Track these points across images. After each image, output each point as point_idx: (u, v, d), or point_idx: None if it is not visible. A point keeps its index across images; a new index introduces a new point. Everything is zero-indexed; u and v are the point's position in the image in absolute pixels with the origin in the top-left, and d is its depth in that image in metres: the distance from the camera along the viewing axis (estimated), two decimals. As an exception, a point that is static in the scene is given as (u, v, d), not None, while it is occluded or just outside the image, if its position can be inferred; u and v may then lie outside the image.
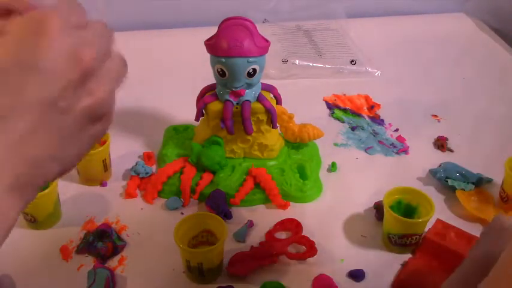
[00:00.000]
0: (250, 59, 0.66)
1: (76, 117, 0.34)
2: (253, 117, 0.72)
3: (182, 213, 0.71)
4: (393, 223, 0.64)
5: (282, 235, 0.68)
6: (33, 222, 0.67)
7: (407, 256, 0.65)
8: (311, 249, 0.64)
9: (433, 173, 0.76)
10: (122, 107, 0.90)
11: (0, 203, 0.31)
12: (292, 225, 0.68)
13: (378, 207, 0.70)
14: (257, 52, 0.66)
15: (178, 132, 0.83)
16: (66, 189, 0.73)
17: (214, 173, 0.74)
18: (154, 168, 0.78)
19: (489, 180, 0.75)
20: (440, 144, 0.84)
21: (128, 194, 0.73)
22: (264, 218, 0.70)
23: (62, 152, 0.34)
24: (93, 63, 0.34)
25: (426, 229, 0.65)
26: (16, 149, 0.31)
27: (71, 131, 0.34)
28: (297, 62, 1.04)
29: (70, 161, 0.36)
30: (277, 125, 0.75)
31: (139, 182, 0.75)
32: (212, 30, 0.68)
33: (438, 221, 0.66)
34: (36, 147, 0.32)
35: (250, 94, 0.70)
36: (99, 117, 0.36)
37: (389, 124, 0.90)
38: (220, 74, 0.68)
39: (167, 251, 0.63)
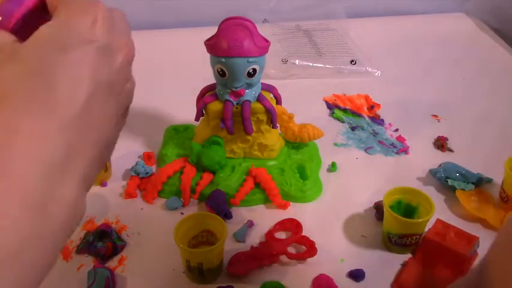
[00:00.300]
0: (250, 59, 0.66)
1: (121, 103, 0.35)
2: (253, 117, 0.72)
3: (182, 213, 0.71)
4: (393, 223, 0.64)
5: (282, 235, 0.68)
6: (33, 222, 0.67)
7: (407, 256, 0.65)
8: (311, 249, 0.64)
9: (433, 173, 0.76)
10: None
11: (77, 193, 0.31)
12: (292, 225, 0.68)
13: (378, 207, 0.70)
14: (257, 52, 0.66)
15: (178, 132, 0.83)
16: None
17: (214, 173, 0.74)
18: (154, 168, 0.78)
19: (489, 180, 0.75)
20: (440, 144, 0.84)
21: (128, 194, 0.73)
22: (264, 218, 0.70)
23: (113, 138, 0.35)
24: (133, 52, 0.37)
25: (426, 229, 0.65)
26: (86, 135, 0.31)
27: (118, 118, 0.35)
28: (297, 62, 1.04)
29: (111, 151, 0.36)
30: (277, 125, 0.75)
31: (139, 182, 0.75)
32: (212, 30, 0.68)
33: (438, 221, 0.66)
34: (97, 131, 0.32)
35: (250, 94, 0.70)
36: (128, 109, 0.37)
37: (390, 124, 0.90)
38: (220, 74, 0.68)
39: (167, 251, 0.63)
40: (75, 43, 0.31)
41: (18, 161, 0.27)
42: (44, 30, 0.32)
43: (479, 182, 0.74)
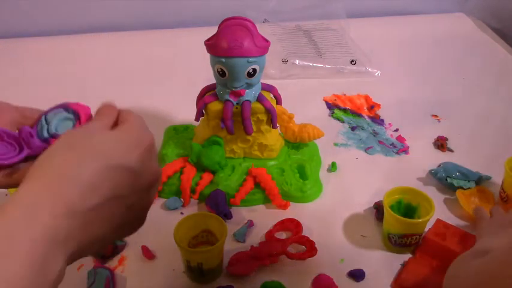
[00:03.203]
0: (250, 59, 0.66)
1: (130, 217, 0.40)
2: (253, 117, 0.72)
3: (182, 213, 0.71)
4: (393, 223, 0.64)
5: (282, 235, 0.68)
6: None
7: (407, 256, 0.65)
8: (311, 249, 0.64)
9: (433, 173, 0.76)
10: (122, 107, 0.90)
11: (63, 266, 0.34)
12: (292, 225, 0.68)
13: (378, 207, 0.70)
14: (257, 52, 0.66)
15: (178, 132, 0.83)
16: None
17: (214, 173, 0.74)
18: (154, 168, 0.78)
19: (488, 178, 0.75)
20: (440, 144, 0.84)
21: (128, 194, 0.73)
22: (264, 218, 0.70)
23: (111, 236, 0.39)
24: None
25: (426, 229, 0.65)
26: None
27: (123, 224, 0.39)
28: (297, 62, 1.04)
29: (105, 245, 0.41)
30: (277, 125, 0.75)
31: (139, 182, 0.75)
32: (212, 30, 0.68)
33: (438, 221, 0.66)
34: (97, 227, 0.36)
35: (250, 94, 0.70)
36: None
37: (390, 124, 0.90)
38: (220, 74, 0.68)
39: (167, 251, 0.63)
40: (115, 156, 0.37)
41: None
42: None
43: (479, 181, 0.74)
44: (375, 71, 1.05)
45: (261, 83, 0.72)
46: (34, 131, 0.43)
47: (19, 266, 0.30)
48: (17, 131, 0.43)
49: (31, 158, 0.42)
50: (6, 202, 0.33)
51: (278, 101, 0.75)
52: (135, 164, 0.37)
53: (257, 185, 0.73)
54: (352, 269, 0.63)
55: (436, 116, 0.92)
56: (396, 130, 0.88)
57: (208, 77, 0.72)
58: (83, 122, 0.43)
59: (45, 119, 0.44)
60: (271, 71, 1.01)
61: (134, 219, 0.41)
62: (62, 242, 0.33)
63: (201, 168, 0.74)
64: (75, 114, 0.43)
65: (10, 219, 0.32)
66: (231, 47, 0.65)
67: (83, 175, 0.35)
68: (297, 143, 0.79)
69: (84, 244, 0.35)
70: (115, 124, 0.41)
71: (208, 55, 0.68)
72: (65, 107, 0.44)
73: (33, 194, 0.33)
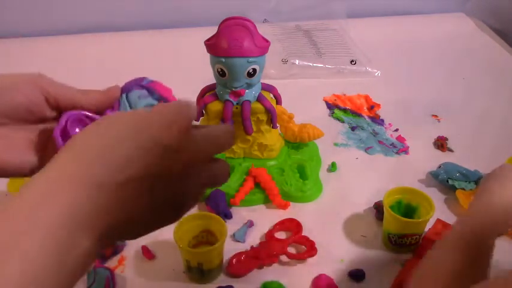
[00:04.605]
0: (250, 59, 0.66)
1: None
2: (253, 117, 0.72)
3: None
4: (393, 223, 0.64)
5: (282, 235, 0.68)
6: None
7: (407, 256, 0.65)
8: (311, 249, 0.64)
9: (434, 175, 0.76)
10: (122, 107, 0.90)
11: (92, 247, 0.32)
12: (292, 225, 0.68)
13: (378, 207, 0.70)
14: (257, 52, 0.66)
15: (178, 132, 0.82)
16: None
17: (214, 173, 0.74)
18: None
19: None
20: (440, 144, 0.84)
21: (128, 194, 0.73)
22: (264, 218, 0.70)
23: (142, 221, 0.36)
24: None
25: (426, 229, 0.65)
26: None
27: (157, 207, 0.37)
28: (297, 62, 1.04)
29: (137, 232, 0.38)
30: (277, 125, 0.75)
31: (139, 182, 0.75)
32: (212, 30, 0.68)
33: (438, 221, 0.66)
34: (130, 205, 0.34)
35: (250, 94, 0.70)
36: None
37: (390, 124, 0.90)
38: (220, 74, 0.68)
39: (167, 251, 0.63)
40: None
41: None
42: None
43: (480, 180, 0.74)
44: (375, 71, 1.05)
45: (261, 83, 0.72)
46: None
47: (38, 246, 0.29)
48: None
49: None
50: (35, 176, 0.32)
51: (278, 101, 0.75)
52: (172, 142, 0.34)
53: (257, 185, 0.73)
54: (352, 269, 0.63)
55: (436, 116, 0.92)
56: (396, 130, 0.88)
57: (208, 77, 0.71)
58: None
59: (128, 102, 0.41)
60: (271, 71, 1.01)
61: (173, 205, 0.37)
62: (86, 219, 0.31)
63: (201, 168, 0.74)
64: (160, 99, 0.41)
65: (32, 194, 0.30)
66: (231, 47, 0.65)
67: (115, 149, 0.32)
68: (297, 143, 0.79)
69: (119, 224, 0.33)
70: None
71: (208, 55, 0.68)
72: (149, 88, 0.41)
73: (58, 167, 0.32)
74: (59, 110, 0.41)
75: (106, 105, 0.41)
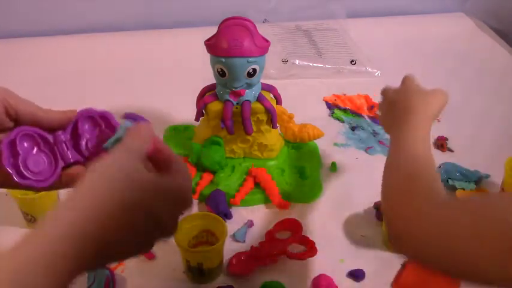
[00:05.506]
0: (250, 59, 0.66)
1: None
2: (253, 117, 0.72)
3: (182, 213, 0.71)
4: (393, 223, 0.64)
5: (282, 235, 0.68)
6: (33, 222, 0.67)
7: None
8: (311, 249, 0.64)
9: (433, 174, 0.76)
10: (122, 107, 0.90)
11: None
12: (292, 225, 0.68)
13: (378, 207, 0.70)
14: (257, 52, 0.66)
15: (178, 132, 0.83)
16: (66, 189, 0.73)
17: (214, 173, 0.74)
18: (154, 168, 0.78)
19: (487, 177, 0.75)
20: (440, 144, 0.84)
21: (128, 194, 0.73)
22: (264, 218, 0.70)
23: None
24: None
25: (426, 229, 0.65)
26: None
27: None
28: (297, 62, 1.04)
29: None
30: (277, 125, 0.75)
31: (139, 182, 0.75)
32: (212, 30, 0.68)
33: (438, 221, 0.66)
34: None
35: (250, 94, 0.70)
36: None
37: (390, 124, 0.90)
38: (220, 74, 0.68)
39: (167, 251, 0.63)
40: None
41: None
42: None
43: (480, 181, 0.74)
44: (375, 71, 1.05)
45: (261, 83, 0.72)
46: (69, 142, 0.42)
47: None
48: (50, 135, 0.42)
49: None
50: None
51: (278, 101, 0.75)
52: (159, 211, 0.37)
53: (257, 185, 0.73)
54: (352, 269, 0.63)
55: (436, 116, 0.92)
56: (396, 130, 0.88)
57: (208, 77, 0.72)
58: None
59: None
60: (271, 71, 1.01)
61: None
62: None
63: (201, 168, 0.74)
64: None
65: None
66: (231, 47, 0.65)
67: (108, 207, 0.35)
68: (297, 143, 0.79)
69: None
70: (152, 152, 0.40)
71: (208, 55, 0.68)
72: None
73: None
74: (18, 123, 0.42)
75: (62, 125, 0.43)
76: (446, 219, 0.40)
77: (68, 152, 0.42)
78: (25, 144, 0.41)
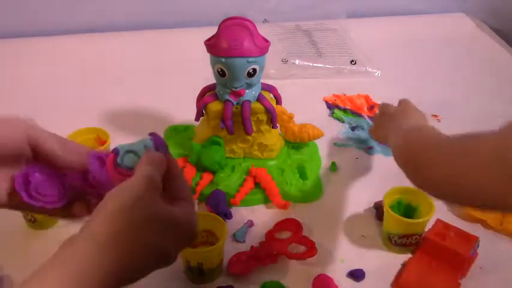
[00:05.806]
0: (250, 59, 0.66)
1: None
2: (253, 117, 0.72)
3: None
4: (393, 223, 0.64)
5: (282, 235, 0.68)
6: (33, 222, 0.67)
7: (407, 256, 0.65)
8: (311, 249, 0.64)
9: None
10: (122, 107, 0.90)
11: None
12: (292, 225, 0.68)
13: (378, 207, 0.70)
14: (257, 52, 0.66)
15: (178, 132, 0.83)
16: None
17: (214, 173, 0.74)
18: (154, 168, 0.78)
19: None
20: (440, 144, 0.84)
21: (128, 194, 0.73)
22: (264, 218, 0.70)
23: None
24: None
25: (426, 229, 0.65)
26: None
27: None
28: (297, 62, 1.04)
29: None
30: (277, 125, 0.75)
31: (139, 182, 0.75)
32: (212, 30, 0.68)
33: (438, 221, 0.66)
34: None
35: (250, 94, 0.70)
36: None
37: (390, 124, 0.90)
38: (220, 74, 0.68)
39: (167, 251, 0.63)
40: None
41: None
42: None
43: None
44: (375, 71, 1.05)
45: (261, 83, 0.72)
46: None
47: None
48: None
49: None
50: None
51: (278, 101, 0.75)
52: (169, 246, 0.40)
53: (257, 185, 0.73)
54: (352, 269, 0.63)
55: (436, 116, 0.92)
56: (396, 130, 0.88)
57: (208, 77, 0.72)
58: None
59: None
60: (271, 71, 1.01)
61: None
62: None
63: (201, 168, 0.74)
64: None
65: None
66: (231, 47, 0.65)
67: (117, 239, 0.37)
68: (297, 143, 0.78)
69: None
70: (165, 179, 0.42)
71: (208, 55, 0.68)
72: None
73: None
74: (36, 153, 0.44)
75: (76, 168, 0.45)
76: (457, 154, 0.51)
77: (76, 183, 0.46)
78: (36, 175, 0.44)
